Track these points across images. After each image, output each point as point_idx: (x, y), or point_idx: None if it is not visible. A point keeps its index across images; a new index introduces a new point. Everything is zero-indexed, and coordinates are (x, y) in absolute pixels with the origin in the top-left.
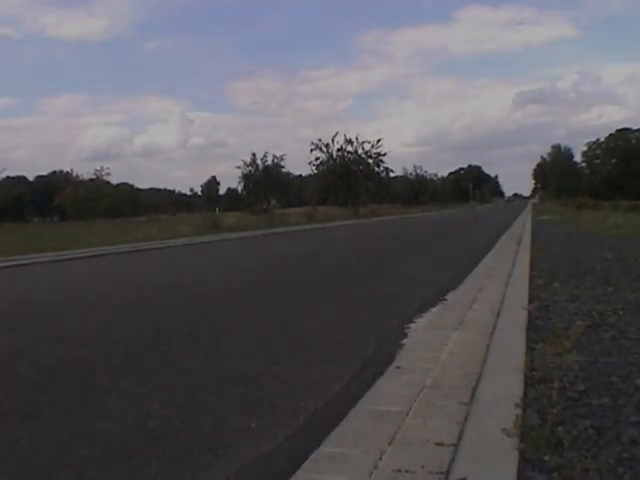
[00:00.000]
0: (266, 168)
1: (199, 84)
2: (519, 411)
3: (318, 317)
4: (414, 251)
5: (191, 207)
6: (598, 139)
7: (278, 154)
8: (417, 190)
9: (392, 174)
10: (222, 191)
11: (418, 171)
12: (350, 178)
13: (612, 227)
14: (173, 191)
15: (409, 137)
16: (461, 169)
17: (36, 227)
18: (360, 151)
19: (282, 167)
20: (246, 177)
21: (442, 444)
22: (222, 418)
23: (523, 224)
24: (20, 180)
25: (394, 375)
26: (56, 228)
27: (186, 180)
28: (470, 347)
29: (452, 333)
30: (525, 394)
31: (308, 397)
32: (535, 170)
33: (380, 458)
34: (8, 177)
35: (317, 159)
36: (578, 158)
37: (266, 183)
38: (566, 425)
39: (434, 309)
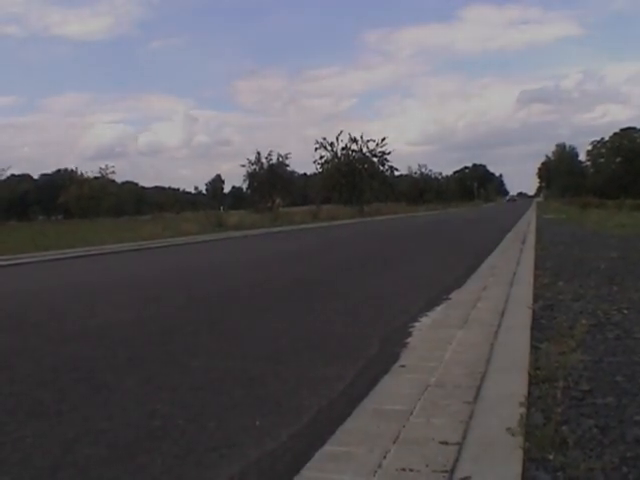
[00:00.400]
0: (271, 167)
1: (203, 82)
2: (523, 410)
3: (322, 316)
4: (418, 250)
5: (196, 206)
6: (603, 138)
7: (282, 153)
8: (422, 189)
9: (397, 173)
10: (227, 189)
11: (423, 170)
12: (355, 177)
13: (617, 226)
14: (178, 189)
15: (413, 136)
16: (466, 168)
17: (41, 225)
18: (365, 150)
19: (287, 166)
20: (251, 176)
21: (446, 443)
22: (226, 417)
23: (527, 223)
24: (25, 178)
25: (398, 374)
26: (60, 226)
27: (191, 178)
28: (474, 346)
29: (456, 332)
30: (529, 393)
31: (312, 396)
32: (539, 169)
33: (384, 457)
34: (13, 175)
35: (322, 158)
36: (583, 157)
37: (271, 182)
38: (570, 424)
39: (438, 308)
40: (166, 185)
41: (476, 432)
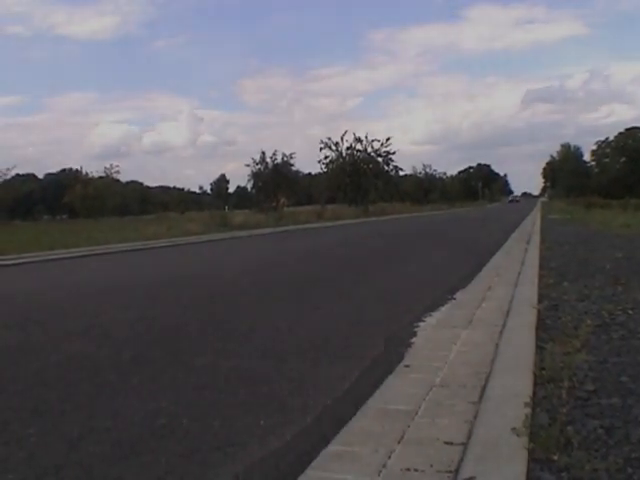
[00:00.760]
0: (275, 166)
1: (208, 82)
2: (528, 410)
3: (326, 315)
4: (423, 250)
5: (200, 205)
6: (607, 138)
7: (287, 152)
8: (426, 189)
9: (401, 172)
10: (231, 189)
11: (427, 170)
12: (359, 176)
13: (622, 226)
14: (182, 189)
15: (418, 135)
16: (470, 168)
17: (45, 225)
18: (369, 149)
19: (291, 165)
20: (255, 175)
21: (451, 443)
22: (231, 416)
23: (532, 223)
24: (29, 178)
25: (403, 374)
26: (65, 226)
27: (195, 178)
28: (479, 346)
29: (461, 332)
30: (534, 393)
31: (317, 395)
32: (544, 169)
33: (389, 457)
34: (18, 175)
35: (326, 157)
36: (587, 157)
37: (275, 181)
38: (575, 425)
39: (443, 308)
40: (171, 185)
41: (481, 432)
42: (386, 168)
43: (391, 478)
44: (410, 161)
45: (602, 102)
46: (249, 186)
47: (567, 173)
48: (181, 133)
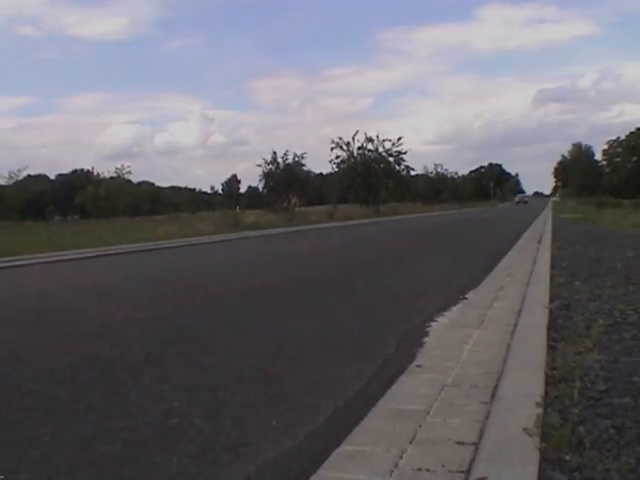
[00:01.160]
0: (287, 166)
1: (220, 82)
2: (540, 410)
3: (338, 315)
4: (435, 249)
5: (212, 205)
6: (619, 137)
7: (299, 152)
8: (438, 188)
9: (413, 172)
10: (243, 189)
11: (439, 169)
12: (371, 176)
13: (633, 226)
14: (194, 189)
15: (430, 135)
16: (482, 167)
17: (57, 225)
18: (381, 149)
19: (303, 165)
20: (267, 175)
21: (463, 443)
22: (242, 416)
23: (544, 223)
24: (41, 179)
25: (415, 374)
26: (77, 226)
27: (207, 178)
28: (491, 346)
29: (473, 332)
30: (546, 393)
31: (329, 395)
32: (555, 168)
33: (401, 457)
34: (29, 175)
35: (338, 157)
36: (599, 156)
37: (287, 181)
38: (587, 425)
39: (455, 308)
40: (182, 185)
41: (492, 432)
42: (397, 168)
43: (403, 478)
44: (422, 161)
45: (613, 101)
46: (260, 186)
47: (578, 173)
48: (193, 133)
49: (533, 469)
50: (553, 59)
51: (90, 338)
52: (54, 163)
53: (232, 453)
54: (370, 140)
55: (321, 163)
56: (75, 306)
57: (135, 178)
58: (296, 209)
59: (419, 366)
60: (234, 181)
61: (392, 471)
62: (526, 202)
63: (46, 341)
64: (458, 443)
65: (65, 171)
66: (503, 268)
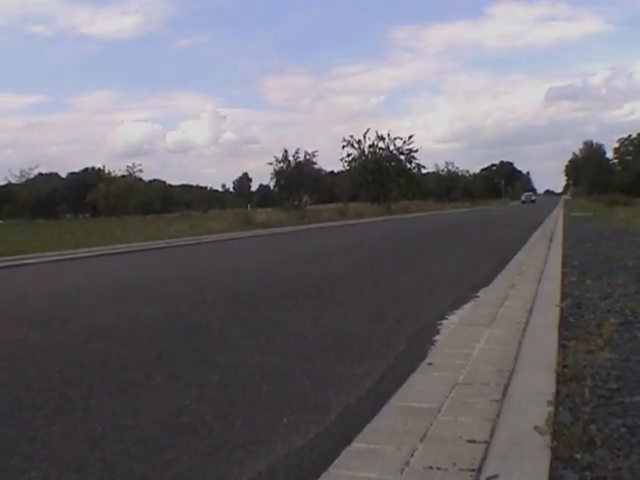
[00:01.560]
0: (298, 164)
1: (231, 80)
2: (551, 409)
3: (350, 313)
4: (446, 247)
5: (223, 204)
6: (630, 135)
7: (310, 150)
8: (449, 186)
9: (424, 170)
10: (254, 187)
11: (450, 167)
12: (382, 174)
13: None
14: (205, 188)
15: (441, 133)
16: (493, 165)
17: (68, 224)
18: (392, 147)
19: (314, 163)
20: (278, 173)
21: (474, 441)
22: (254, 414)
23: (555, 221)
24: (52, 177)
25: (426, 372)
26: (88, 225)
27: (218, 176)
28: (502, 344)
29: (484, 330)
30: (557, 392)
31: (340, 393)
32: (567, 167)
33: (411, 455)
34: (41, 174)
35: (349, 155)
36: (610, 154)
37: (298, 179)
38: (598, 423)
39: (466, 306)
40: (193, 183)
41: (504, 430)
42: (409, 166)
43: (414, 476)
44: (433, 159)
45: (625, 99)
46: (272, 184)
47: (590, 171)
48: (204, 131)
49: (544, 467)
50: (565, 57)
51: (101, 336)
52: (65, 161)
53: (243, 451)
54: (381, 138)
55: (332, 161)
56: (86, 304)
57: (146, 176)
58: (307, 207)
59: (430, 364)
60: (245, 179)
61: (403, 469)
62: (533, 201)
63: (56, 339)
64: (469, 441)
65: (76, 169)
66: (514, 266)
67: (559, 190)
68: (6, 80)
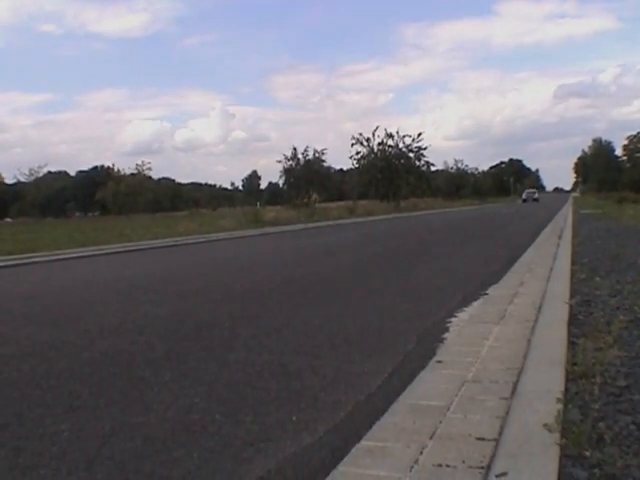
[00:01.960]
0: (307, 162)
1: (240, 78)
2: (560, 406)
3: (359, 311)
4: (456, 245)
5: (232, 202)
6: (639, 132)
7: (319, 148)
8: (458, 184)
9: (433, 168)
10: (263, 185)
11: (459, 165)
12: (391, 172)
13: None
14: (214, 185)
15: (450, 131)
16: (502, 163)
17: (77, 222)
18: (401, 145)
19: (323, 161)
20: (287, 171)
21: (483, 439)
22: (263, 411)
23: (564, 218)
24: (62, 175)
25: (435, 369)
26: (97, 223)
27: (227, 174)
28: (511, 342)
29: (493, 327)
30: (566, 389)
31: (349, 391)
32: (576, 164)
33: (421, 452)
34: (50, 172)
35: (358, 153)
36: (619, 152)
37: (307, 177)
38: (607, 421)
39: (475, 303)
40: (203, 181)
41: (513, 428)
42: (418, 164)
43: (423, 474)
44: (442, 156)
45: (634, 96)
46: (281, 182)
47: (599, 168)
48: (213, 129)
49: (553, 465)
50: (574, 54)
51: (110, 334)
52: (74, 160)
53: (253, 448)
54: (390, 136)
55: (341, 159)
56: (95, 302)
57: (155, 174)
58: (316, 205)
59: (439, 362)
60: (254, 177)
61: (412, 467)
62: (536, 200)
63: (66, 337)
64: (478, 439)
65: (85, 168)
66: (523, 264)
67: (568, 187)
68: (15, 78)
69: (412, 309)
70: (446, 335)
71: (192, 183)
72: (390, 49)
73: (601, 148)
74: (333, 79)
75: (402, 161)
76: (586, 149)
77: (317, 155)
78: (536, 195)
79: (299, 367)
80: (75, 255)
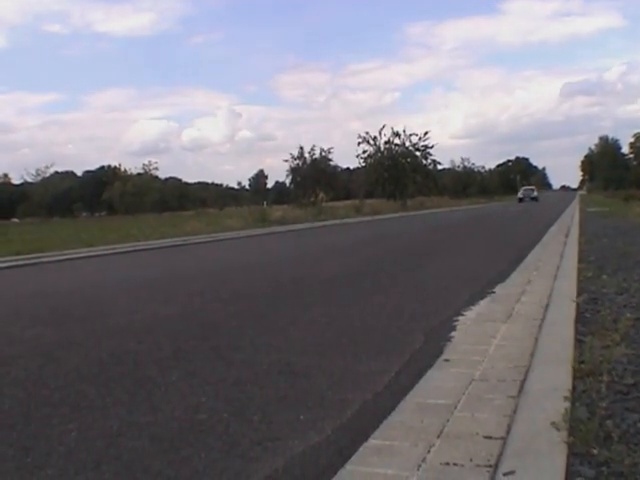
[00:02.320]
0: (314, 161)
1: (247, 78)
2: (568, 404)
3: (365, 310)
4: (462, 243)
5: (239, 201)
6: None
7: (326, 147)
8: (465, 182)
9: (440, 166)
10: (270, 184)
11: (465, 163)
12: (398, 171)
13: None
14: (221, 185)
15: (456, 129)
16: (509, 161)
17: (84, 222)
18: (407, 144)
19: (330, 160)
20: (294, 170)
21: (490, 437)
22: (270, 411)
23: (571, 216)
24: (68, 175)
25: (442, 368)
26: (104, 223)
27: (234, 174)
28: (518, 340)
29: (501, 326)
30: (574, 387)
31: (356, 390)
32: (582, 162)
33: (428, 451)
34: (56, 172)
35: (364, 152)
36: (626, 149)
37: (314, 176)
38: (615, 419)
39: (482, 302)
40: (209, 180)
41: (520, 426)
42: (424, 162)
43: (430, 472)
44: (448, 155)
45: None
46: (287, 181)
47: (605, 166)
48: (219, 129)
49: (561, 463)
50: (579, 52)
51: (117, 334)
52: (81, 160)
53: (260, 447)
54: (397, 134)
55: (348, 158)
56: (102, 302)
57: (162, 174)
58: (323, 204)
59: (447, 360)
60: (261, 176)
61: (420, 465)
62: (535, 198)
63: (73, 337)
64: (486, 437)
65: (92, 168)
66: (530, 262)
67: (575, 186)
68: (21, 79)
69: (419, 307)
70: (453, 334)
71: (199, 182)
72: (395, 48)
73: (607, 146)
74: (339, 78)
75: (409, 160)
76: (593, 147)
77: (324, 154)
78: (535, 193)
79: (306, 366)
80: (82, 255)
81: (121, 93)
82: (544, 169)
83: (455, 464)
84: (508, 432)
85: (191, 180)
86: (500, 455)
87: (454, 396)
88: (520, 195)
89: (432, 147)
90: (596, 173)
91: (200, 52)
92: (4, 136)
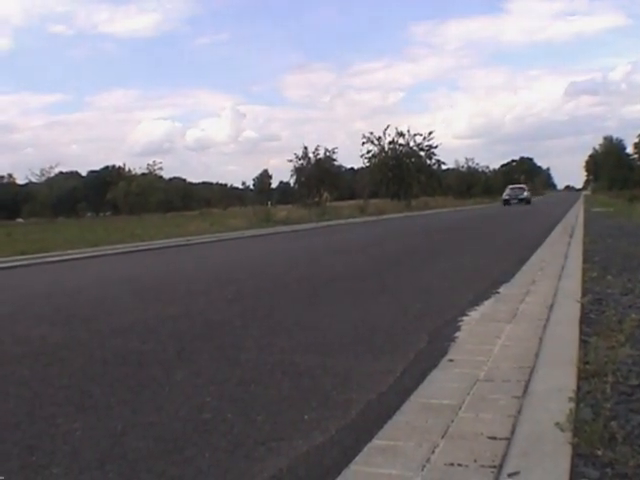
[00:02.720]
0: (318, 161)
1: (251, 78)
2: (572, 405)
3: (369, 310)
4: (467, 243)
5: (243, 201)
6: None
7: (330, 147)
8: (469, 182)
9: (444, 166)
10: (274, 185)
11: (470, 163)
12: (402, 171)
13: None
14: (225, 185)
15: (461, 129)
16: (513, 161)
17: (89, 222)
18: (412, 144)
19: (334, 160)
20: (298, 170)
21: (495, 438)
22: (274, 411)
23: (575, 216)
24: (73, 175)
25: (447, 368)
26: (109, 222)
27: (238, 174)
28: (523, 340)
29: (505, 326)
30: (578, 388)
31: (360, 390)
32: (587, 162)
33: (433, 451)
34: (61, 172)
35: (369, 152)
36: (630, 149)
37: (318, 176)
38: (620, 420)
39: (487, 302)
40: (214, 181)
41: (525, 427)
42: (429, 162)
43: (435, 473)
44: (453, 155)
45: None
46: (292, 181)
47: (610, 166)
48: (224, 129)
49: (565, 464)
50: (584, 51)
51: (122, 334)
52: (85, 160)
53: (264, 448)
54: (401, 134)
55: (352, 158)
56: (107, 302)
57: (166, 174)
58: (327, 204)
59: (451, 360)
60: (265, 176)
61: (424, 466)
62: (525, 199)
63: (78, 337)
64: (490, 438)
65: (96, 168)
66: (535, 262)
67: (579, 186)
68: (26, 79)
69: (423, 307)
70: (458, 334)
71: (203, 183)
72: (400, 47)
73: (612, 146)
74: (343, 78)
75: (413, 160)
76: (597, 147)
77: (328, 154)
78: (525, 194)
79: (310, 366)
80: (87, 255)
81: (125, 93)
82: (548, 169)
83: (459, 465)
84: (512, 433)
85: (195, 180)
86: (505, 456)
87: (458, 396)
88: (505, 196)
89: (436, 147)
90: (600, 173)
91: (204, 53)
92: (9, 136)
